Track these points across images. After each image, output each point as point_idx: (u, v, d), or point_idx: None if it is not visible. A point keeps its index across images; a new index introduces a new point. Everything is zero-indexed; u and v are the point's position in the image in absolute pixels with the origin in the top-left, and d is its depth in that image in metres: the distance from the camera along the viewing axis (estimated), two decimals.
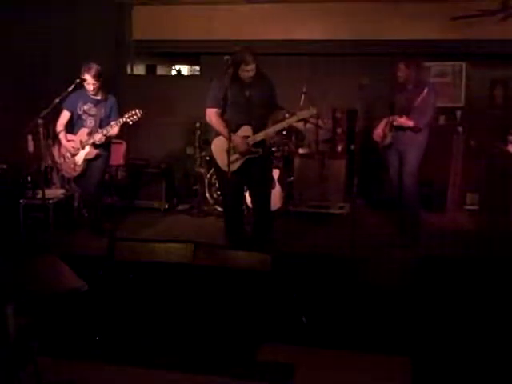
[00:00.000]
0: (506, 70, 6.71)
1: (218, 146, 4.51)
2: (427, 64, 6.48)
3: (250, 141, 4.43)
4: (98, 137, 4.92)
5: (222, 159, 4.44)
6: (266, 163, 4.81)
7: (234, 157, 4.43)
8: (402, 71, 4.90)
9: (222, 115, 4.46)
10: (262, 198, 4.73)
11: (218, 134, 4.55)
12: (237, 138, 4.42)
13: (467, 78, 6.76)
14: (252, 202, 4.84)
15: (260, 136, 4.44)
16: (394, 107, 5.07)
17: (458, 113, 6.69)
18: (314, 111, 4.54)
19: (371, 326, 3.51)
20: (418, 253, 4.60)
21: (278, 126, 4.52)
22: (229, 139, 4.33)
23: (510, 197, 5.09)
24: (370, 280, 3.86)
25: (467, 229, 5.64)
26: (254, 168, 4.54)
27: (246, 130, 4.45)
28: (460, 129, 6.35)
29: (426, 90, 4.75)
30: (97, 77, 4.91)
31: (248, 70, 4.31)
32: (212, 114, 4.48)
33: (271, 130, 4.50)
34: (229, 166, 4.32)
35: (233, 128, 4.41)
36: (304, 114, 4.53)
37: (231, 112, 4.41)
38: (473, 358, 3.16)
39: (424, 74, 5.34)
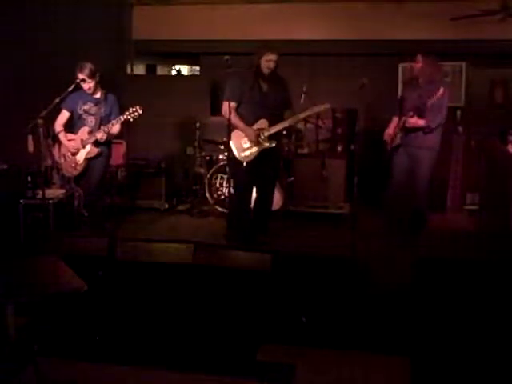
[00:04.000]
0: (506, 70, 6.71)
1: (236, 137, 4.75)
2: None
3: (265, 132, 4.69)
4: (100, 134, 4.91)
5: (239, 149, 4.73)
6: (278, 159, 5.16)
7: (249, 148, 4.72)
8: (418, 63, 4.78)
9: (236, 109, 4.71)
10: (266, 192, 4.96)
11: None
12: (249, 130, 4.68)
13: (467, 78, 6.76)
14: (257, 193, 4.99)
15: (274, 128, 4.70)
16: (404, 105, 4.93)
17: (458, 113, 6.69)
18: (327, 106, 4.80)
19: (371, 326, 3.51)
20: (418, 253, 4.60)
21: (293, 120, 4.75)
22: (242, 130, 4.67)
23: (510, 197, 5.09)
24: (369, 280, 3.85)
25: (467, 229, 5.64)
26: (266, 162, 4.78)
27: (262, 123, 4.72)
28: (460, 129, 6.35)
29: (441, 89, 4.59)
30: (91, 75, 4.89)
31: (271, 60, 4.56)
32: (228, 107, 4.65)
33: (285, 124, 4.74)
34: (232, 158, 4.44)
35: (249, 122, 4.70)
36: (318, 108, 4.80)
37: (248, 107, 4.70)
38: (472, 359, 3.16)
39: (439, 72, 5.14)
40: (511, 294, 3.60)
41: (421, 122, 4.71)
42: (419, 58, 4.79)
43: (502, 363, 3.12)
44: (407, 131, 4.80)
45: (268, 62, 4.57)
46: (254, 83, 4.65)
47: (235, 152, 4.74)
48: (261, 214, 4.97)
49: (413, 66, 4.87)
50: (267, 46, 4.67)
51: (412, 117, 4.71)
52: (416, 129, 4.77)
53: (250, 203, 4.96)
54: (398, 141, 4.91)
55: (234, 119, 4.68)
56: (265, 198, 4.97)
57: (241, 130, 4.70)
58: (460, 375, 3.05)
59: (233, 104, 4.68)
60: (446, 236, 5.26)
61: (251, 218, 4.91)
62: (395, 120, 5.03)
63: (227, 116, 4.65)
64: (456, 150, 6.25)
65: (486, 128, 6.21)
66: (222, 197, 6.14)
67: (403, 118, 4.81)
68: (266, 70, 4.61)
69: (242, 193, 4.84)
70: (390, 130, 5.03)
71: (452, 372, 3.09)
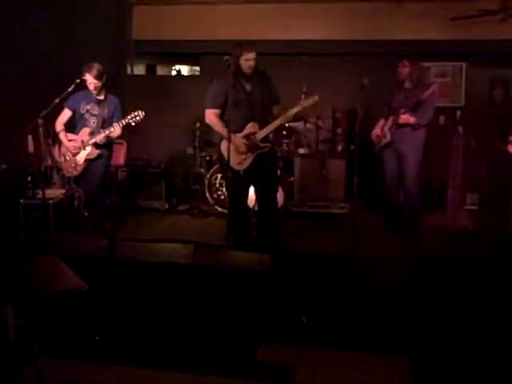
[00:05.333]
0: (506, 70, 6.71)
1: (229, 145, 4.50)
2: (427, 64, 6.50)
3: (258, 136, 4.43)
4: (100, 137, 4.92)
5: (233, 158, 4.45)
6: (274, 160, 4.91)
7: (244, 155, 4.46)
8: (406, 67, 5.02)
9: (221, 116, 4.48)
10: (269, 196, 4.70)
11: None
12: (236, 138, 4.43)
13: (467, 78, 6.76)
14: (258, 200, 4.76)
15: (265, 130, 4.44)
16: (392, 107, 5.15)
17: (458, 113, 6.70)
18: (316, 98, 4.46)
19: (371, 325, 3.51)
20: (418, 253, 4.60)
21: (284, 118, 4.48)
22: (229, 140, 4.36)
23: (510, 197, 5.09)
24: (369, 280, 3.85)
25: (467, 229, 5.64)
26: (262, 165, 4.53)
27: (252, 127, 4.46)
28: (460, 129, 6.34)
29: (431, 88, 4.86)
30: (98, 76, 4.90)
31: (250, 59, 4.32)
32: (212, 115, 4.49)
33: (276, 123, 4.48)
34: (228, 164, 4.31)
35: (239, 126, 4.43)
36: (307, 102, 4.50)
37: (235, 110, 4.42)
38: (472, 358, 3.16)
39: (424, 74, 5.48)
40: (511, 294, 3.60)
41: (412, 119, 4.98)
42: (405, 62, 5.03)
43: (502, 363, 3.12)
44: (397, 127, 5.05)
45: (248, 61, 4.31)
46: (237, 85, 4.39)
47: (230, 162, 4.47)
48: (267, 219, 4.67)
49: (400, 70, 5.07)
50: (243, 44, 4.42)
51: (404, 113, 4.97)
52: (404, 126, 5.03)
53: (248, 210, 4.79)
54: (388, 138, 5.13)
55: (220, 129, 4.43)
56: (268, 200, 4.68)
57: (228, 141, 4.36)
58: (460, 375, 3.05)
59: (216, 111, 4.46)
60: (447, 236, 5.25)
61: (250, 219, 4.78)
62: (382, 121, 5.23)
63: (212, 125, 4.49)
64: (456, 150, 6.24)
65: (486, 128, 6.20)
66: (222, 197, 6.15)
67: (393, 118, 5.05)
68: (247, 70, 4.35)
69: (240, 198, 4.64)
70: (377, 131, 5.23)
71: (452, 371, 3.09)
